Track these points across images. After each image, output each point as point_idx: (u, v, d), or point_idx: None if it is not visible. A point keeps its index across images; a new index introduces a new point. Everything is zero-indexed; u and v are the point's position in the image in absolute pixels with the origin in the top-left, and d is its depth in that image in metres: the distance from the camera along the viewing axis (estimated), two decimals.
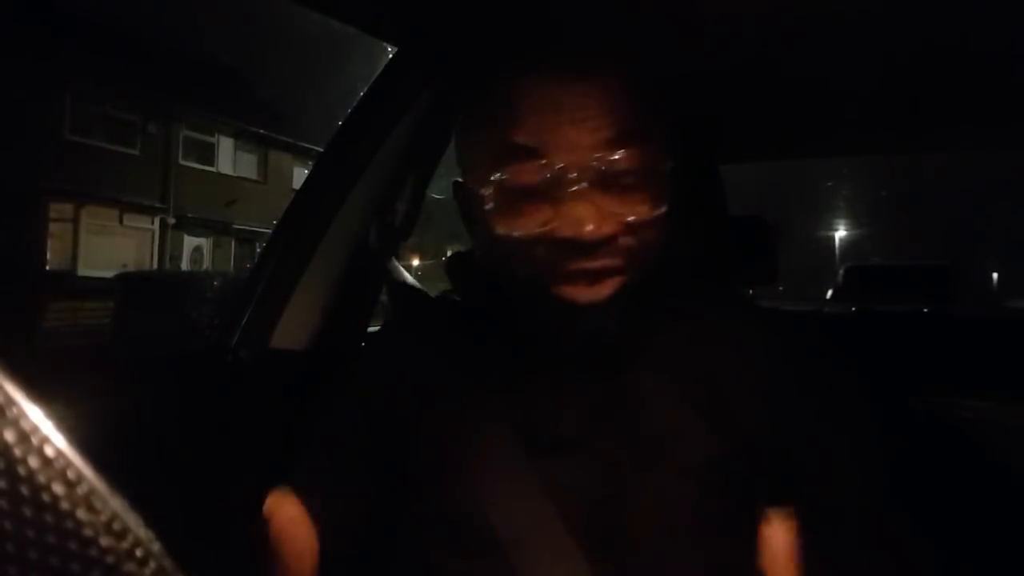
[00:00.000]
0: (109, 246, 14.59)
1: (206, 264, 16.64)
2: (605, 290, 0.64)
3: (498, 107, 0.67)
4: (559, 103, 0.63)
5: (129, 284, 8.07)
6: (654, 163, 0.64)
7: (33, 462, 0.19)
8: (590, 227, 0.61)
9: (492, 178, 0.64)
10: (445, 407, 0.71)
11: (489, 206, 0.65)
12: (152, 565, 0.20)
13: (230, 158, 17.31)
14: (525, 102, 0.64)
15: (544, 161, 0.62)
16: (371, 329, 1.30)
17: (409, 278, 1.11)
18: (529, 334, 0.70)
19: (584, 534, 0.63)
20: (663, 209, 0.64)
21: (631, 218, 0.63)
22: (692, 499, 0.63)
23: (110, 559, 0.20)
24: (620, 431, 0.65)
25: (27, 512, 0.19)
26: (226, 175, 17.19)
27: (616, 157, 0.62)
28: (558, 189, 0.62)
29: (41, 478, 0.19)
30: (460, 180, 0.74)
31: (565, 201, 0.62)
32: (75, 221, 14.24)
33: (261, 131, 17.13)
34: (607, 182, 0.62)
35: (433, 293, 0.97)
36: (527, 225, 0.64)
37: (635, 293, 0.65)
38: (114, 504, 0.20)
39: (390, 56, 1.16)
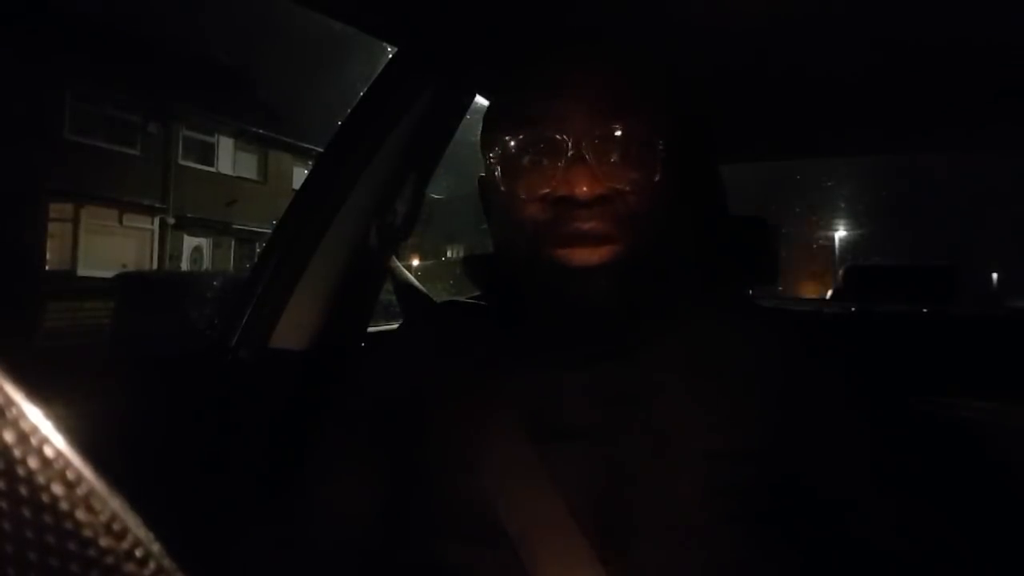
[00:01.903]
0: (109, 246, 14.56)
1: (206, 264, 16.62)
2: (597, 256, 0.68)
3: (511, 88, 0.77)
4: (562, 83, 0.71)
5: (129, 284, 8.04)
6: (646, 137, 0.70)
7: (32, 463, 0.19)
8: (584, 187, 0.66)
9: (502, 147, 0.72)
10: (455, 399, 0.73)
11: (499, 173, 0.72)
12: (152, 565, 0.20)
13: (230, 158, 17.27)
14: (533, 82, 0.74)
15: (546, 130, 0.69)
16: (371, 329, 1.31)
17: (415, 281, 1.11)
18: (535, 311, 0.73)
19: (591, 525, 0.64)
20: (654, 180, 0.70)
21: (624, 185, 0.68)
22: (700, 494, 0.64)
23: (109, 560, 0.20)
24: (629, 423, 0.67)
25: (26, 513, 0.19)
26: (226, 175, 17.16)
27: (610, 129, 0.68)
28: (557, 155, 0.68)
29: (40, 479, 0.19)
30: (483, 174, 0.80)
31: (563, 166, 0.67)
32: (75, 221, 14.21)
33: (261, 131, 17.10)
34: (601, 152, 0.68)
35: (437, 298, 0.99)
36: (530, 188, 0.69)
37: (628, 267, 0.69)
38: (113, 505, 0.20)
39: (390, 56, 1.16)
